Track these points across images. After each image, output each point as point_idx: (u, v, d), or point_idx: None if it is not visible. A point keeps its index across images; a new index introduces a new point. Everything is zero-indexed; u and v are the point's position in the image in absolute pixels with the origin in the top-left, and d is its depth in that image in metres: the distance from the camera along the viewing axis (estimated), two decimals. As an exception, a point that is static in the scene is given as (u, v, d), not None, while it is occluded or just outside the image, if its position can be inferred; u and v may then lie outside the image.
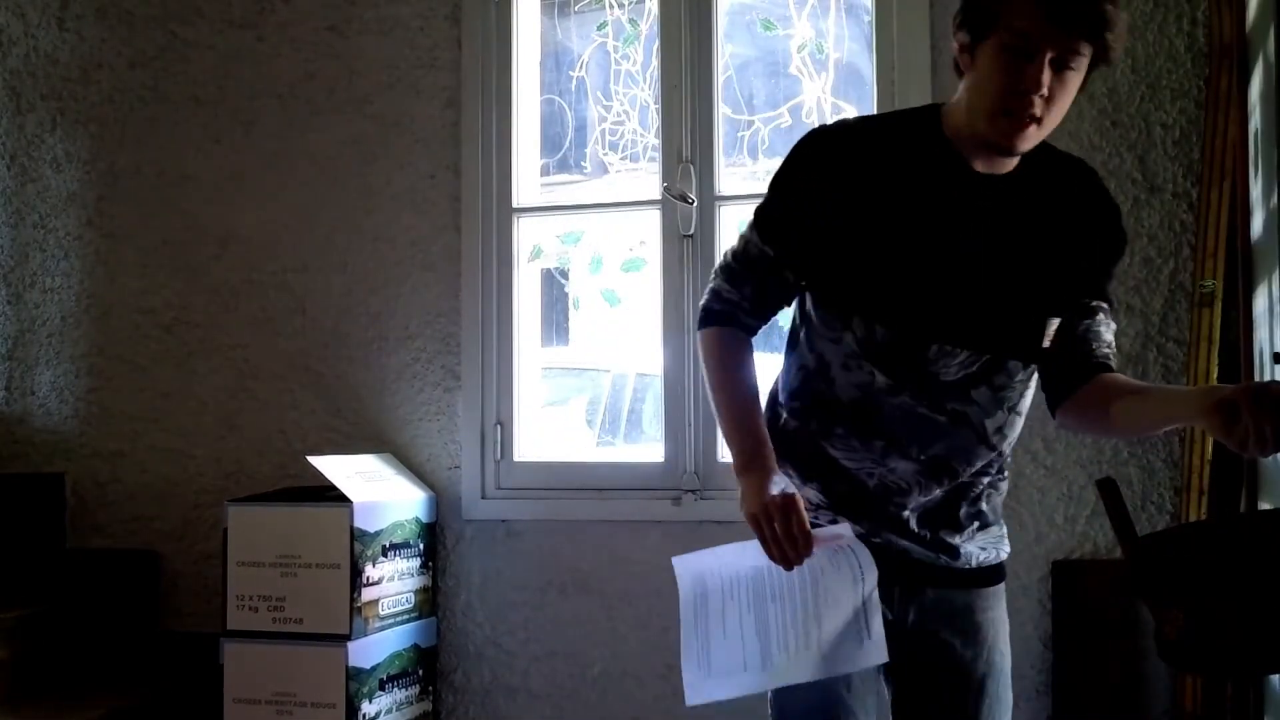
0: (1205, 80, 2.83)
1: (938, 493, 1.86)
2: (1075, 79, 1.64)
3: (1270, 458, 2.23)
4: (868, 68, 3.17)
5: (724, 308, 1.86)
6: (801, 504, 1.69)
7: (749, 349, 1.87)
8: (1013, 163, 1.73)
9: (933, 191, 1.73)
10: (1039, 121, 1.64)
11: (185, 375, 3.60)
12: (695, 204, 3.20)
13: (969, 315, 1.73)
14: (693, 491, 3.16)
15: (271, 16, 3.57)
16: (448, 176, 3.40)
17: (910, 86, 3.03)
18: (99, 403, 3.67)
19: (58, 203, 3.73)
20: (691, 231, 3.21)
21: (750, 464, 1.76)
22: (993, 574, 1.95)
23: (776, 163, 1.84)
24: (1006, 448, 1.91)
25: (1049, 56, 1.61)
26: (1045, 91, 1.61)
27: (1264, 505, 2.35)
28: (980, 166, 1.73)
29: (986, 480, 1.91)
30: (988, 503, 1.93)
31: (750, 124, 3.31)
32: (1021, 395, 1.86)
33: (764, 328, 1.89)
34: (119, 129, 3.68)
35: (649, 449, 3.37)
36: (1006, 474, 1.97)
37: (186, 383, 3.60)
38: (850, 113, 3.26)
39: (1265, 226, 2.29)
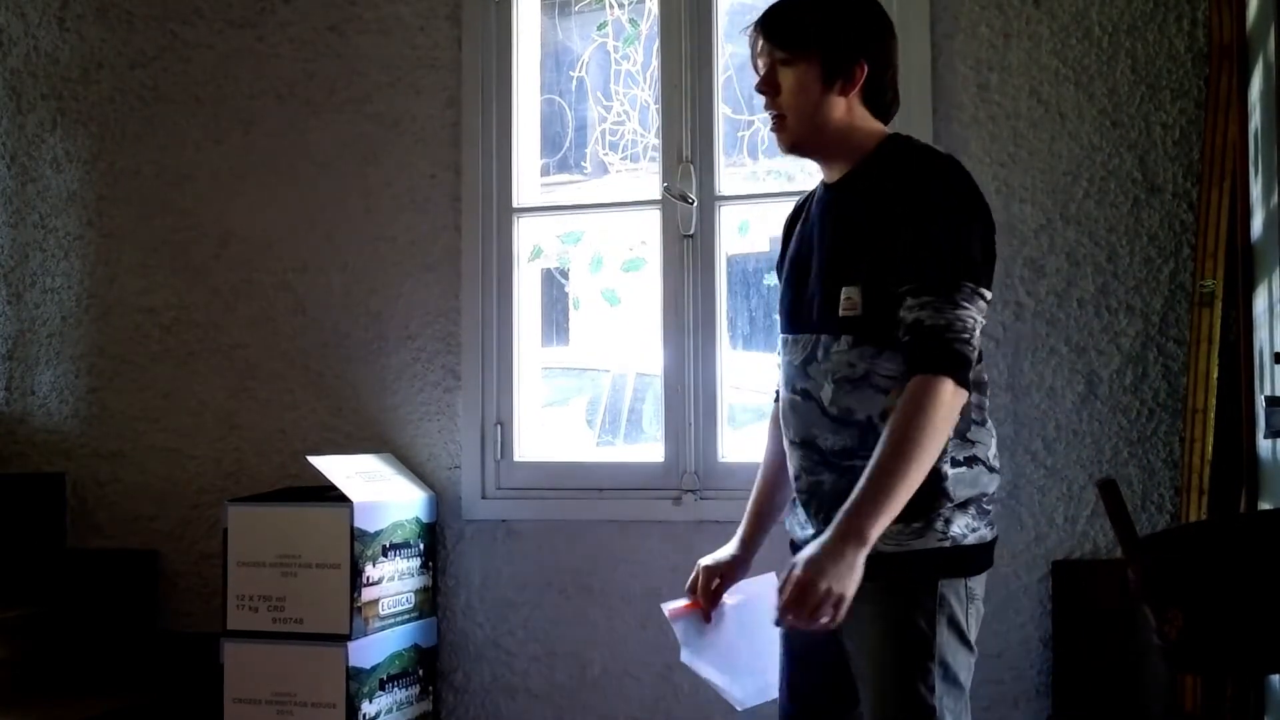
0: (1205, 80, 2.83)
1: (826, 476, 1.92)
2: (793, 73, 1.93)
3: (1271, 455, 2.23)
4: (868, 68, 3.16)
5: None
6: (704, 570, 2.11)
7: None
8: (849, 162, 1.97)
9: (808, 216, 2.06)
10: (783, 117, 1.96)
11: (185, 375, 3.60)
12: (695, 204, 3.20)
13: (795, 305, 2.01)
14: (693, 491, 3.16)
15: (271, 16, 3.57)
16: (448, 176, 3.40)
17: (910, 86, 3.02)
18: (99, 403, 3.67)
19: (58, 203, 3.74)
20: (691, 231, 3.21)
21: None
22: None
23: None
24: (861, 419, 1.87)
25: (762, 61, 1.97)
26: (766, 88, 1.95)
27: (1264, 505, 2.35)
28: (828, 178, 2.02)
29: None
30: None
31: (750, 124, 3.31)
32: (849, 366, 1.89)
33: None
34: (119, 129, 3.69)
35: (649, 449, 3.37)
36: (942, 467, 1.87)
37: (186, 383, 3.60)
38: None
39: (1265, 226, 2.29)
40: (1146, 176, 2.90)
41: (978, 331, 1.83)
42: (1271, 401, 1.99)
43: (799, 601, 1.74)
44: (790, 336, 2.00)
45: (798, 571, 1.76)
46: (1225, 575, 1.47)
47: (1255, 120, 2.43)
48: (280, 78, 3.55)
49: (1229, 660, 1.52)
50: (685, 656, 2.13)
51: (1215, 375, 2.64)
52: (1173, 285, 2.87)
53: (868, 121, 1.98)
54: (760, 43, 1.97)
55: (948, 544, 1.87)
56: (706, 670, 2.11)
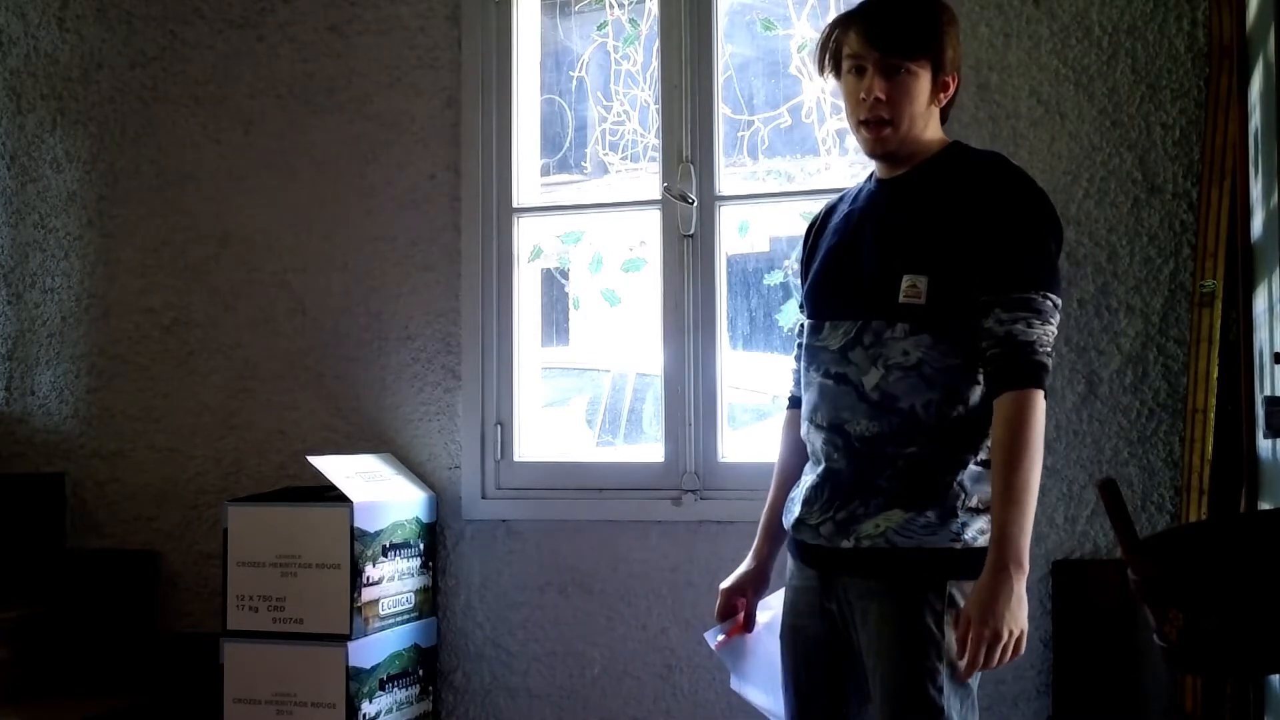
0: (1205, 80, 2.83)
1: (845, 464, 1.95)
2: (910, 82, 1.95)
3: (1271, 455, 2.23)
4: (868, 68, 3.16)
5: None
6: (724, 593, 2.16)
7: None
8: (911, 163, 2.01)
9: (849, 209, 2.09)
10: (890, 123, 1.96)
11: (185, 375, 3.60)
12: (695, 204, 3.20)
13: (837, 290, 2.02)
14: (693, 491, 3.16)
15: (271, 16, 3.57)
16: (448, 176, 3.40)
17: (910, 86, 3.03)
18: (99, 403, 3.67)
19: (58, 203, 3.74)
20: (691, 231, 3.21)
21: None
22: (873, 559, 1.92)
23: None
24: (904, 407, 1.91)
25: (877, 68, 1.95)
26: (881, 95, 1.94)
27: (1264, 505, 2.35)
28: (883, 175, 2.05)
29: (908, 452, 1.91)
30: (907, 480, 1.91)
31: (750, 124, 3.31)
32: (903, 354, 1.92)
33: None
34: (119, 129, 3.69)
35: (649, 449, 3.37)
36: (959, 459, 1.93)
37: (186, 383, 3.60)
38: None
39: (1265, 226, 2.29)
40: (1146, 176, 2.90)
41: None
42: (1271, 401, 1.99)
43: (990, 655, 1.80)
44: (826, 322, 2.01)
45: (977, 628, 1.80)
46: (1225, 575, 1.47)
47: (1255, 120, 2.43)
48: (280, 78, 3.55)
49: (1229, 660, 1.52)
50: (734, 683, 2.16)
51: (1215, 375, 2.64)
52: (1173, 285, 2.87)
53: (939, 129, 2.05)
54: (865, 47, 1.96)
55: (959, 545, 1.89)
56: (754, 695, 2.14)
